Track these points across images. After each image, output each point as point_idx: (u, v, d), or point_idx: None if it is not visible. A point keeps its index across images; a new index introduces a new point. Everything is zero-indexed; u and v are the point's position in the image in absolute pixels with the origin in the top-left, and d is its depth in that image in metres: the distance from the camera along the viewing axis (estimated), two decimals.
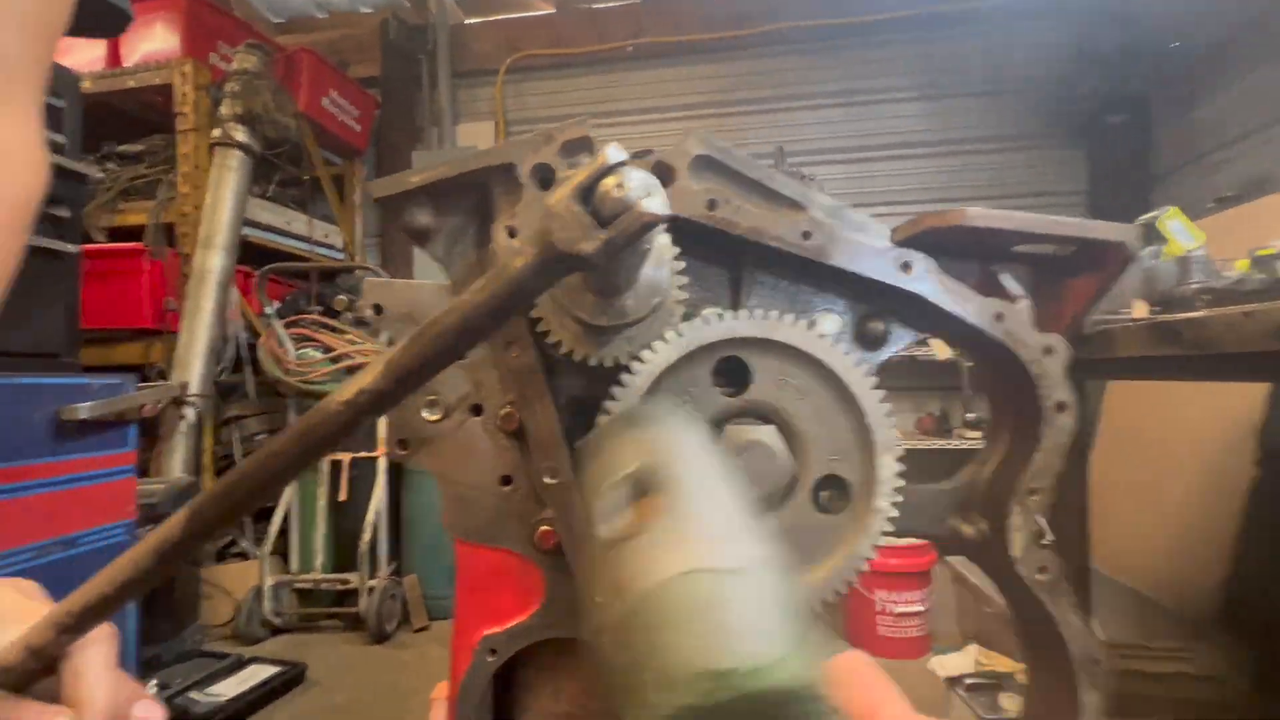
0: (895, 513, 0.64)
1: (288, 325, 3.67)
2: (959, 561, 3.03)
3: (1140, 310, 1.58)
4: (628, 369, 0.64)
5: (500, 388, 0.75)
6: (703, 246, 0.70)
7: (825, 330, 0.74)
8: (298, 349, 3.62)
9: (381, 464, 3.66)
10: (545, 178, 0.69)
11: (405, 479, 3.89)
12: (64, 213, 1.55)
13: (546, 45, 5.35)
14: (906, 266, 0.67)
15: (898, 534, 0.68)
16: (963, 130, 4.78)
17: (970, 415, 4.34)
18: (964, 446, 4.11)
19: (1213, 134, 3.88)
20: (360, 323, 4.01)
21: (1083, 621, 0.64)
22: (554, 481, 0.62)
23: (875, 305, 0.73)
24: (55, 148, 1.52)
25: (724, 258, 0.74)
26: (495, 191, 0.71)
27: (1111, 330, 1.44)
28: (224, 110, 3.78)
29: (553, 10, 5.69)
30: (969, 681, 2.10)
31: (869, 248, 0.66)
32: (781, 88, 5.05)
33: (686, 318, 0.70)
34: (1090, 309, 0.74)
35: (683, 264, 0.68)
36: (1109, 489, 2.91)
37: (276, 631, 3.51)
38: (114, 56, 4.09)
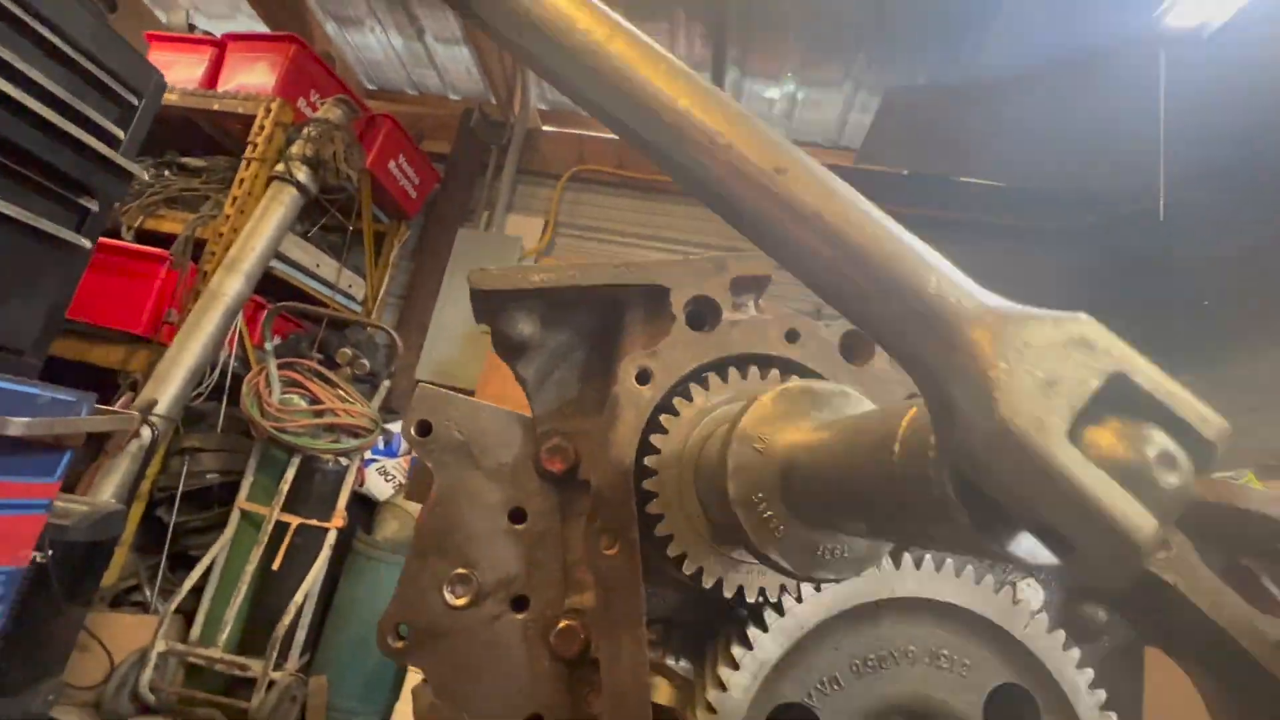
0: None
1: (281, 366, 3.47)
2: None
3: None
4: (771, 608, 0.44)
5: (561, 581, 0.54)
6: None
7: (1026, 600, 0.56)
8: (283, 393, 3.39)
9: (330, 538, 3.29)
10: (701, 313, 0.55)
11: (348, 561, 3.50)
12: (93, 205, 1.43)
13: (610, 164, 5.64)
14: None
15: None
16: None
17: None
18: None
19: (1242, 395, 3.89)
20: (358, 379, 3.82)
21: None
22: None
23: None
24: (112, 141, 1.44)
25: None
26: (629, 316, 0.56)
27: None
28: (294, 149, 3.85)
29: None
30: None
31: None
32: None
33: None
34: None
35: None
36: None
37: (146, 710, 2.97)
38: (210, 79, 4.26)
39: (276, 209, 3.76)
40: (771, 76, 5.16)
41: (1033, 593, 0.48)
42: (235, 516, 3.30)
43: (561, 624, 0.44)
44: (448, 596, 0.46)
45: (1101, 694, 0.41)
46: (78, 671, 2.93)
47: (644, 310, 0.49)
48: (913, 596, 0.41)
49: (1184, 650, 0.47)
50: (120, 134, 1.41)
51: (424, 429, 0.48)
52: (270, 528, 3.22)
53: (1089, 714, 0.41)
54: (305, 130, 3.89)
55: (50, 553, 2.61)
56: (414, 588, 0.47)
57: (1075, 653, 0.41)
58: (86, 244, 1.40)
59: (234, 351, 3.74)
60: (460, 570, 0.46)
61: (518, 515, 0.48)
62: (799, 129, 5.61)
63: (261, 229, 3.69)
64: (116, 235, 3.78)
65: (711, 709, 0.38)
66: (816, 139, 5.68)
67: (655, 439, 0.43)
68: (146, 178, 3.29)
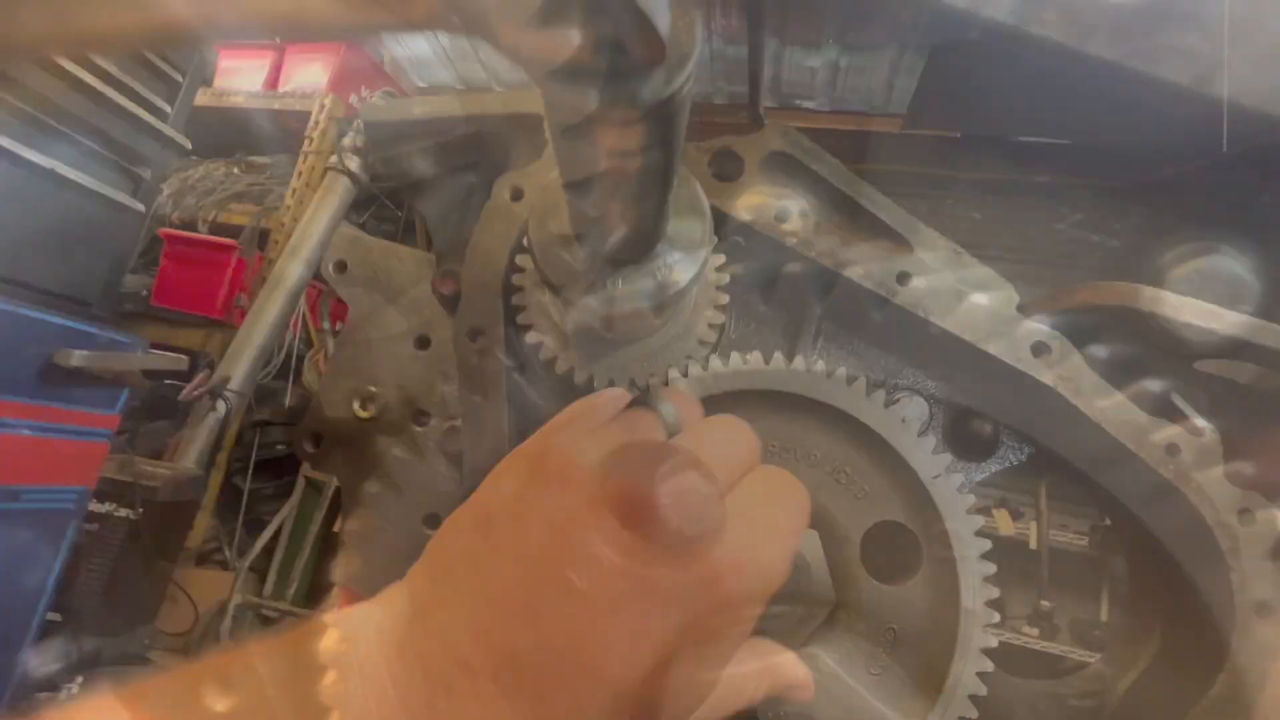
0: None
1: None
2: None
3: None
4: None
5: (459, 399, 0.60)
6: (763, 275, 0.54)
7: (907, 416, 0.55)
8: None
9: None
10: None
11: None
12: (144, 171, 1.60)
13: None
14: (1041, 349, 0.49)
15: None
16: None
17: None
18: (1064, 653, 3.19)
19: None
20: None
21: None
22: None
23: (981, 398, 0.55)
24: (159, 113, 1.59)
25: (787, 296, 0.58)
26: (517, 149, 0.61)
27: None
28: (346, 141, 4.07)
29: None
30: None
31: (989, 314, 0.50)
32: None
33: (713, 351, 0.53)
34: None
35: (726, 278, 0.52)
36: None
37: None
38: (273, 81, 4.56)
39: (331, 198, 3.99)
40: (811, 44, 5.02)
41: (915, 408, 0.48)
42: (300, 484, 3.55)
43: (446, 425, 0.48)
44: (356, 409, 0.51)
45: (987, 543, 0.41)
46: (169, 620, 3.24)
47: (531, 141, 0.52)
48: (837, 408, 0.40)
49: (1075, 460, 0.46)
50: (167, 108, 1.58)
51: (341, 266, 0.53)
52: (331, 493, 3.45)
53: (968, 560, 0.42)
54: (354, 122, 4.10)
55: (141, 510, 2.91)
56: (327, 402, 0.52)
57: (978, 520, 0.42)
58: (140, 208, 1.57)
59: (298, 333, 4.01)
60: (370, 388, 0.51)
61: (423, 342, 0.52)
62: (844, 97, 5.43)
63: (318, 216, 3.92)
64: (193, 229, 4.13)
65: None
66: (862, 106, 5.49)
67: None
68: (188, 146, 3.58)
